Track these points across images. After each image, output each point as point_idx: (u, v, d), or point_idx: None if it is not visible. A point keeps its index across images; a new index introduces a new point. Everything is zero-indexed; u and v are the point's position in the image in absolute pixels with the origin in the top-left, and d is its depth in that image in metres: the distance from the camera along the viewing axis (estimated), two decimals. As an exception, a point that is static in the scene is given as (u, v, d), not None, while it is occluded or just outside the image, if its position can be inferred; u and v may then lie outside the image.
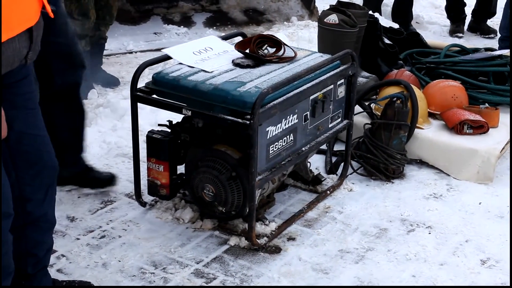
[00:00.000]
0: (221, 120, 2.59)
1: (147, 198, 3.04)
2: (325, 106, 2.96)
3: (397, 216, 3.06)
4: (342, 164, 3.34)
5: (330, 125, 3.08)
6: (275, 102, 2.61)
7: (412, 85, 3.54)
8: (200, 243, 2.80)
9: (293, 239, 2.86)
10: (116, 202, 3.11)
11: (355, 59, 3.09)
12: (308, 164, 3.28)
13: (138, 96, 2.80)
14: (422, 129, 3.54)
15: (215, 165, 2.72)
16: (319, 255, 2.74)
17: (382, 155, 3.33)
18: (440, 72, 3.98)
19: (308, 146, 2.93)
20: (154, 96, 2.81)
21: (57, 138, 2.89)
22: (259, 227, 2.85)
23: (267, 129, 2.63)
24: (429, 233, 2.93)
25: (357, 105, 3.61)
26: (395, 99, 3.32)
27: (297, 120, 2.81)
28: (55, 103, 2.88)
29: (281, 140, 2.74)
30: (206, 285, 2.54)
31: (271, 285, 2.55)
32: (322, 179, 3.28)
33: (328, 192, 3.21)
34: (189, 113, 2.67)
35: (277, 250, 2.77)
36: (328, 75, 2.94)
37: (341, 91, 3.09)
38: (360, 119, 3.55)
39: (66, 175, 3.03)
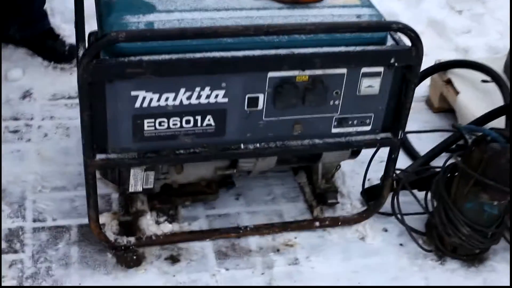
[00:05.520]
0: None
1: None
2: (314, 97, 1.73)
3: (363, 319, 1.79)
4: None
5: (334, 131, 1.84)
6: (145, 57, 1.58)
7: None
8: (78, 196, 2.06)
9: (177, 260, 1.90)
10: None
11: (415, 40, 1.69)
12: (338, 167, 2.12)
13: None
14: None
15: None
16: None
17: (440, 214, 1.94)
18: None
19: (259, 145, 1.81)
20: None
21: None
22: (146, 220, 1.96)
23: (132, 94, 1.64)
24: None
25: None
26: (489, 137, 1.82)
27: (226, 100, 1.70)
28: None
29: (176, 118, 1.71)
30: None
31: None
32: (330, 200, 2.08)
33: (318, 223, 2.04)
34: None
35: (135, 262, 1.87)
36: (332, 49, 1.68)
37: (372, 85, 1.77)
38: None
39: (22, 35, 2.50)
